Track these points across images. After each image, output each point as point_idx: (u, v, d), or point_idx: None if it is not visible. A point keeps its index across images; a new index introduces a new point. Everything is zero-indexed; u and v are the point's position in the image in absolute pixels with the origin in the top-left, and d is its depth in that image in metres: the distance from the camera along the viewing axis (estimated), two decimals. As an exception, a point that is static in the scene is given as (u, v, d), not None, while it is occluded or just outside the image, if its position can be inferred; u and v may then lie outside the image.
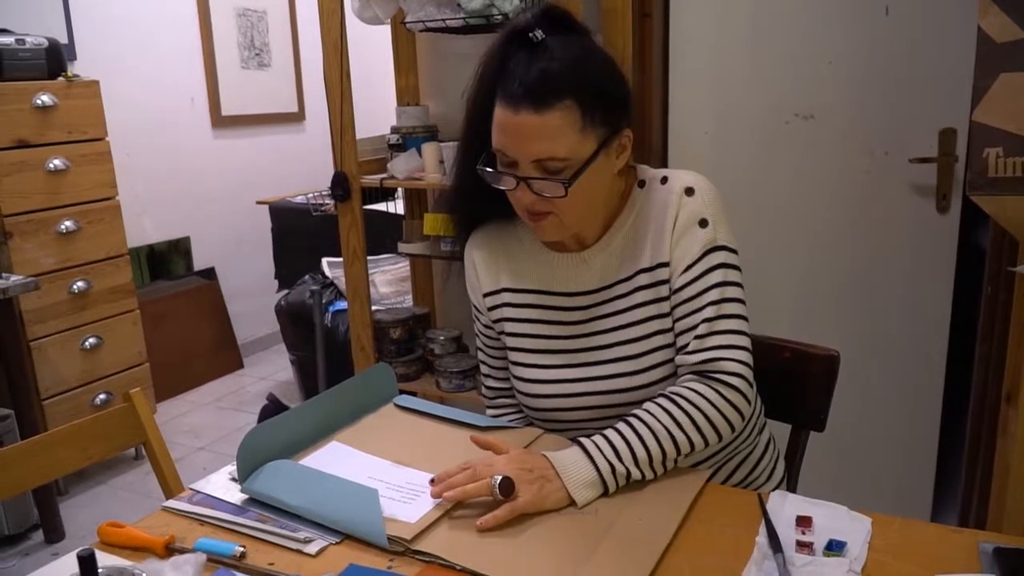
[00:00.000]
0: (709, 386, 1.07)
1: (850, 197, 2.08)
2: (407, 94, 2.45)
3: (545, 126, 1.01)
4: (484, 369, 1.32)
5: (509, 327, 1.22)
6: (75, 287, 2.81)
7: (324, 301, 3.08)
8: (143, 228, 3.64)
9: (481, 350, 1.31)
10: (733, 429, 1.08)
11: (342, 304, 3.06)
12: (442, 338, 2.35)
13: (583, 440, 1.04)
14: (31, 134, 2.65)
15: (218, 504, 1.02)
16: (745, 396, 1.08)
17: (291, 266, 3.64)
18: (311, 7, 3.13)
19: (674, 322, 1.13)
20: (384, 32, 2.42)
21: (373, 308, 2.38)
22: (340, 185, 2.23)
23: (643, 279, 1.14)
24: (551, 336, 1.19)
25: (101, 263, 2.90)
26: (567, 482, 0.99)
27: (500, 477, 0.95)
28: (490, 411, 1.32)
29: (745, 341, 1.10)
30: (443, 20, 1.96)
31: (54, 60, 2.72)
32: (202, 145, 3.90)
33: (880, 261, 2.08)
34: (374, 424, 1.23)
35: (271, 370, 4.06)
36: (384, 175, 2.25)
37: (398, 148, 2.25)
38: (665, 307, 1.13)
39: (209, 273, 3.99)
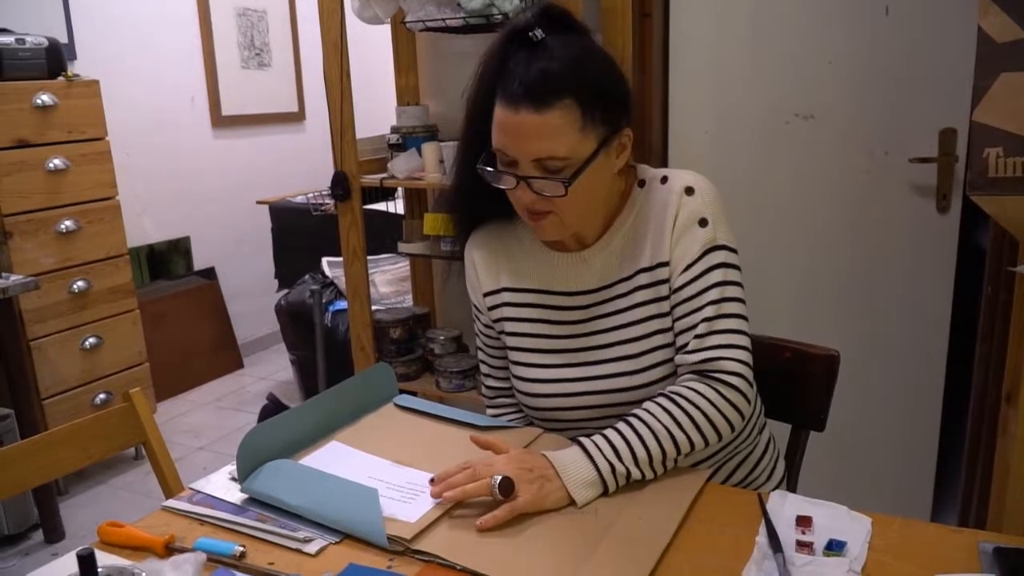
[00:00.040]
0: (709, 386, 1.07)
1: (850, 197, 2.08)
2: (407, 94, 2.45)
3: (545, 125, 1.01)
4: (484, 369, 1.32)
5: (509, 327, 1.22)
6: (75, 287, 2.81)
7: (324, 301, 3.08)
8: (143, 228, 3.64)
9: (481, 350, 1.31)
10: (733, 429, 1.08)
11: (342, 304, 3.06)
12: (442, 338, 2.35)
13: (583, 440, 1.04)
14: (31, 134, 2.65)
15: (218, 504, 1.02)
16: (745, 396, 1.08)
17: (291, 266, 3.63)
18: (311, 7, 3.13)
19: (674, 321, 1.13)
20: (384, 32, 2.42)
21: (373, 308, 2.38)
22: (340, 185, 2.23)
23: (643, 279, 1.14)
24: (551, 336, 1.19)
25: (101, 263, 2.90)
26: (567, 482, 0.99)
27: (500, 477, 0.95)
28: (490, 411, 1.32)
29: (745, 341, 1.10)
30: (443, 20, 1.96)
31: (54, 60, 2.72)
32: (202, 145, 3.90)
33: (880, 261, 2.08)
34: (374, 424, 1.23)
35: (271, 370, 4.06)
36: (384, 175, 2.25)
37: (398, 148, 2.25)
38: (665, 307, 1.13)
39: (209, 273, 3.99)
